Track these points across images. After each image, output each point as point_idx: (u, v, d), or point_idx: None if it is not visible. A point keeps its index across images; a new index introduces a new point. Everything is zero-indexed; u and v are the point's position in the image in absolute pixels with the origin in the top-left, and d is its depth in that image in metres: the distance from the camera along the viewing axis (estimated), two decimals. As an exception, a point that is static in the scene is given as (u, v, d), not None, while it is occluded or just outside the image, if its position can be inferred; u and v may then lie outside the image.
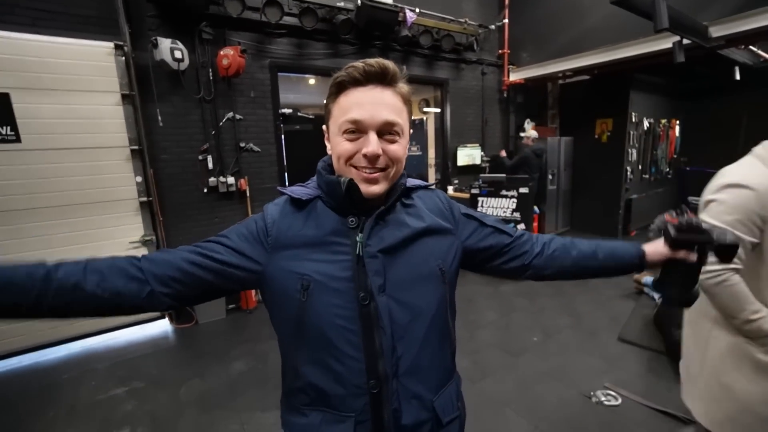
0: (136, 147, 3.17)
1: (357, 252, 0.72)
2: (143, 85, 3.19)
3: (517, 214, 4.22)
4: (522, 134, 5.41)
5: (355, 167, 0.70)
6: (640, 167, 6.15)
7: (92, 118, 3.02)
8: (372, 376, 0.72)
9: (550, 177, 5.89)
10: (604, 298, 3.77)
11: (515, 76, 5.77)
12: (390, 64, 0.69)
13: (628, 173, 5.84)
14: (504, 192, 4.25)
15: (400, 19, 4.27)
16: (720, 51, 4.10)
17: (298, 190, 0.78)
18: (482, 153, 5.81)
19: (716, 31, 3.67)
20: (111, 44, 3.01)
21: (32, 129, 2.84)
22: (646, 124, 6.00)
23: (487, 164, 5.87)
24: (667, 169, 6.72)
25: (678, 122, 6.78)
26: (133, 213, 3.25)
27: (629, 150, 5.77)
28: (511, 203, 4.23)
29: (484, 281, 4.34)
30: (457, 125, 5.55)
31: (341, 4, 3.92)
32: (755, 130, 6.24)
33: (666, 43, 3.78)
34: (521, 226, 4.22)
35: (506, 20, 5.60)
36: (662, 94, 6.37)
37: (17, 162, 2.82)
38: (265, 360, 2.90)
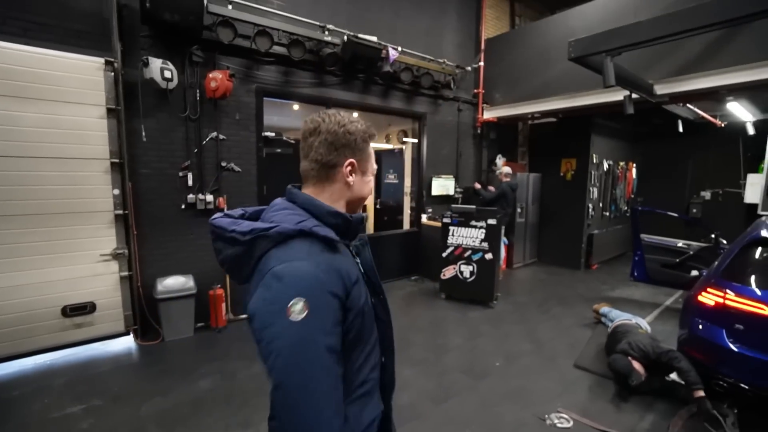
0: (116, 160, 3.20)
1: (361, 269, 0.91)
2: (130, 101, 3.26)
3: (485, 244, 4.44)
4: (499, 170, 5.76)
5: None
6: (600, 205, 6.62)
7: (75, 129, 3.05)
8: (383, 353, 0.93)
9: (519, 210, 6.24)
10: (565, 326, 3.99)
11: (489, 114, 6.19)
12: None
13: (590, 210, 6.27)
14: (473, 222, 4.48)
15: (383, 55, 4.58)
16: (664, 106, 4.62)
17: (322, 230, 0.79)
18: (456, 185, 6.11)
19: (660, 89, 4.16)
20: (102, 60, 3.09)
21: (12, 136, 2.84)
22: (605, 165, 6.52)
23: (460, 195, 6.16)
24: (626, 208, 7.26)
25: (635, 165, 7.39)
26: (107, 225, 3.24)
27: (591, 188, 6.23)
28: (480, 233, 4.46)
29: (452, 307, 4.49)
30: (432, 157, 5.85)
31: (328, 39, 4.18)
32: (698, 176, 6.92)
33: (619, 95, 4.23)
34: (489, 256, 4.44)
35: (482, 63, 6.07)
36: (621, 139, 6.98)
37: (-10, 168, 2.80)
38: (232, 378, 2.88)
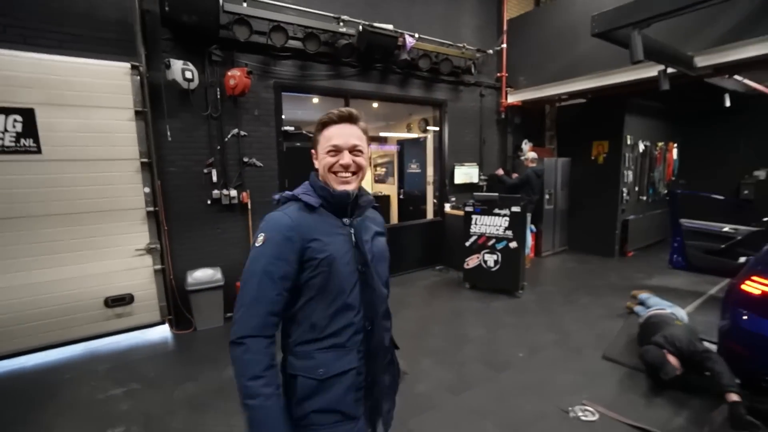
0: (145, 160, 3.38)
1: (353, 240, 1.09)
2: (155, 103, 3.42)
3: (509, 232, 4.32)
4: (524, 155, 5.56)
5: (335, 173, 1.08)
6: (636, 189, 6.24)
7: (107, 132, 3.24)
8: (368, 320, 1.09)
9: (547, 197, 6.00)
10: (594, 317, 3.82)
11: (513, 99, 5.96)
12: (354, 110, 1.09)
13: (625, 194, 5.92)
14: (497, 210, 4.36)
15: (399, 43, 4.50)
16: (707, 79, 4.24)
17: (306, 197, 1.08)
18: (480, 172, 5.96)
19: (702, 61, 3.82)
20: (128, 65, 3.25)
21: (52, 141, 3.07)
22: (641, 146, 6.11)
23: (485, 183, 6.00)
24: (665, 191, 6.79)
25: (675, 145, 6.88)
26: (140, 222, 3.44)
27: (625, 172, 5.87)
28: (504, 221, 4.34)
29: (476, 297, 4.42)
30: (455, 144, 5.73)
31: (343, 30, 4.16)
32: (751, 155, 6.33)
33: (653, 70, 3.93)
34: (513, 244, 4.31)
35: (504, 45, 5.83)
36: (658, 118, 6.50)
37: (36, 172, 3.04)
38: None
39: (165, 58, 3.38)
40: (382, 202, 7.47)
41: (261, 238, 1.02)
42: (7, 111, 2.93)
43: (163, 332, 3.64)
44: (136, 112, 3.31)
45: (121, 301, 3.44)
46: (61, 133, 3.09)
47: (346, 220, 1.10)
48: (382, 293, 1.14)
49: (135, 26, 3.27)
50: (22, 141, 3.00)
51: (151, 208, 3.46)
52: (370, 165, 9.17)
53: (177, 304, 3.67)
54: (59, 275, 3.18)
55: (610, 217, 5.98)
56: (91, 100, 3.16)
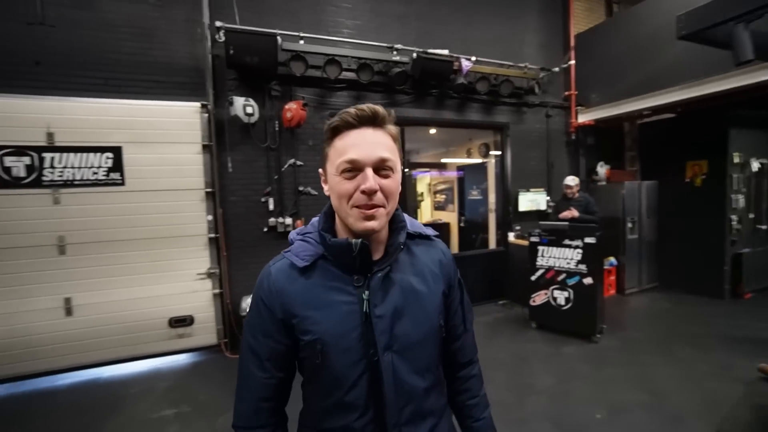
0: (209, 190, 3.63)
1: (364, 309, 0.75)
2: (219, 137, 3.70)
3: (582, 266, 3.77)
4: (570, 183, 4.59)
5: (358, 207, 0.72)
6: (751, 216, 5.16)
7: (178, 165, 3.56)
8: (378, 425, 0.77)
9: (629, 225, 5.24)
10: (697, 376, 3.08)
11: (584, 118, 5.42)
12: (380, 108, 0.73)
13: (734, 223, 4.92)
14: (567, 241, 3.86)
15: (455, 67, 4.38)
16: None
17: (301, 251, 0.80)
18: (548, 198, 5.43)
19: (836, 58, 3.07)
20: (198, 104, 3.58)
21: (134, 174, 3.44)
22: (755, 165, 5.09)
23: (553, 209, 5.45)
24: (793, 219, 5.52)
25: (804, 163, 5.61)
26: (202, 248, 3.66)
27: (733, 196, 4.91)
28: (576, 254, 3.80)
29: (544, 339, 3.88)
30: (518, 169, 5.33)
31: (397, 58, 4.18)
32: None
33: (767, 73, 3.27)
34: (587, 280, 3.74)
35: (572, 61, 5.40)
36: (776, 130, 5.40)
37: (120, 201, 3.42)
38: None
39: (230, 95, 3.66)
40: (442, 230, 7.19)
41: (250, 301, 0.84)
42: (102, 149, 3.37)
43: (218, 355, 3.75)
44: (203, 146, 3.60)
45: (183, 322, 3.63)
46: (140, 167, 3.45)
47: (357, 279, 0.77)
48: (410, 388, 0.78)
49: (206, 71, 3.61)
50: (111, 175, 3.40)
51: (213, 235, 3.66)
52: (430, 191, 8.95)
53: (233, 328, 3.78)
54: (133, 295, 3.48)
55: (716, 249, 4.98)
56: (166, 137, 3.51)
